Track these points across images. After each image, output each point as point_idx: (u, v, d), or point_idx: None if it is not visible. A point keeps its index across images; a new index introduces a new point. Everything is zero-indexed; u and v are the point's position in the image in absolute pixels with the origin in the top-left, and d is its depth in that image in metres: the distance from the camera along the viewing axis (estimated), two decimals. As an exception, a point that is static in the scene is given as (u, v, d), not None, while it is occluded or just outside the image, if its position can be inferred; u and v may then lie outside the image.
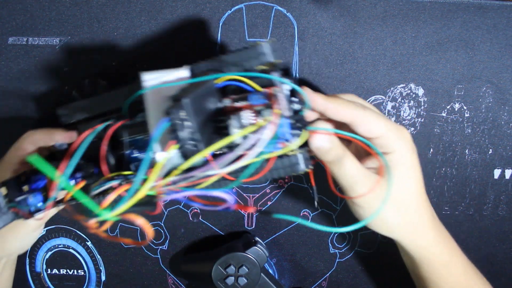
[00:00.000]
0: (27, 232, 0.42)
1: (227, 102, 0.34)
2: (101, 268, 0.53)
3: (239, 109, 0.33)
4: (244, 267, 0.47)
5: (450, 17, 0.46)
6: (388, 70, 0.48)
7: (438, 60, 0.47)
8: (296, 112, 0.34)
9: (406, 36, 0.47)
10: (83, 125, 0.40)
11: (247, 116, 0.32)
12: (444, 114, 0.49)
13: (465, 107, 0.48)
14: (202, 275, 0.49)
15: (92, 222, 0.28)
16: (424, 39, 0.47)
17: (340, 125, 0.37)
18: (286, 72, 0.34)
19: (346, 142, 0.38)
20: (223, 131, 0.32)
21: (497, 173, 0.50)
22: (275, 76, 0.33)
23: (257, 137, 0.30)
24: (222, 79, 0.34)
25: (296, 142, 0.33)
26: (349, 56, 0.47)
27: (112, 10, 0.46)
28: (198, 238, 0.52)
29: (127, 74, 0.47)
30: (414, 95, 0.48)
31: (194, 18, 0.47)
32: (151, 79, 0.33)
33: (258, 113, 0.32)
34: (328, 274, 0.53)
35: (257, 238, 0.51)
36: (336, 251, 0.52)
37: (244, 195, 0.51)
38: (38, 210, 0.36)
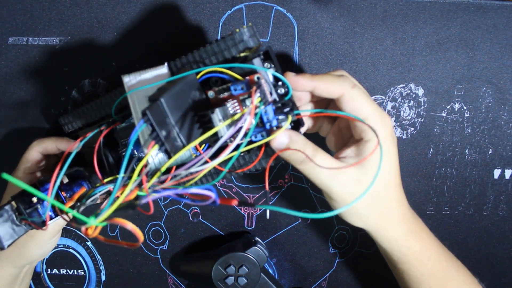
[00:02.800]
0: (45, 239, 0.44)
1: (211, 95, 0.33)
2: (101, 268, 0.53)
3: (223, 100, 0.33)
4: (244, 267, 0.47)
5: (450, 17, 0.46)
6: (388, 70, 0.48)
7: (438, 60, 0.47)
8: (282, 96, 0.34)
9: (406, 36, 0.47)
10: (83, 132, 0.41)
11: (231, 106, 0.32)
12: (444, 114, 0.49)
13: (465, 107, 0.48)
14: (202, 275, 0.49)
15: (84, 229, 0.28)
16: (424, 39, 0.47)
17: (325, 102, 0.37)
18: (267, 55, 0.34)
19: (331, 120, 0.38)
20: (208, 125, 0.32)
21: (497, 173, 0.50)
22: (253, 65, 0.32)
23: (239, 126, 0.30)
24: (202, 72, 0.33)
25: (283, 127, 0.33)
26: (349, 56, 0.47)
27: (112, 10, 0.46)
28: (198, 238, 0.52)
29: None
30: (414, 95, 0.48)
31: (194, 18, 0.47)
32: (132, 80, 0.34)
33: (242, 102, 0.32)
34: (328, 274, 0.53)
35: (257, 238, 0.51)
36: (336, 251, 0.52)
37: (244, 195, 0.51)
38: (50, 218, 0.37)
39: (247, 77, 0.32)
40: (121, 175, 0.29)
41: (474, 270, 0.53)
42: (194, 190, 0.29)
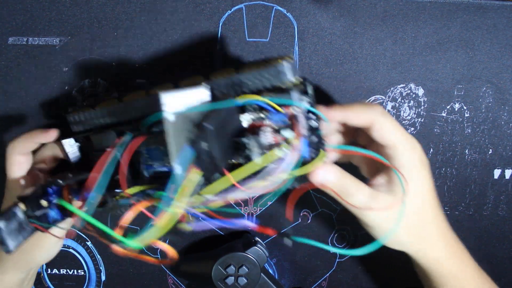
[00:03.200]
0: (51, 243, 0.44)
1: (246, 119, 0.34)
2: (101, 268, 0.53)
3: (257, 126, 0.33)
4: (244, 267, 0.47)
5: (450, 17, 0.46)
6: (388, 70, 0.48)
7: (438, 60, 0.47)
8: (314, 130, 0.34)
9: (406, 36, 0.47)
10: (96, 135, 0.40)
11: (266, 135, 0.33)
12: (444, 114, 0.49)
13: (465, 107, 0.48)
14: (202, 275, 0.49)
15: (116, 248, 0.28)
16: (424, 39, 0.47)
17: (355, 131, 0.38)
18: (303, 89, 0.34)
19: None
20: (243, 151, 0.33)
21: (497, 173, 0.50)
22: (294, 101, 0.33)
23: (282, 161, 0.31)
24: (244, 99, 0.34)
25: (315, 161, 0.34)
26: (349, 56, 0.47)
27: (112, 10, 0.46)
28: (198, 238, 0.52)
29: (127, 74, 0.48)
30: (414, 95, 0.48)
31: (194, 18, 0.47)
32: (171, 101, 0.32)
33: (277, 131, 0.33)
34: (328, 274, 0.53)
35: (257, 238, 0.51)
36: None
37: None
38: (56, 221, 0.37)
39: (285, 110, 0.33)
40: (170, 198, 0.29)
41: (474, 270, 0.53)
42: (239, 223, 0.30)
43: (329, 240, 0.52)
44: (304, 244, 0.52)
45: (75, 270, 0.53)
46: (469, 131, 0.49)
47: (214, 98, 0.34)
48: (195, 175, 0.30)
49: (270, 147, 0.33)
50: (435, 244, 0.40)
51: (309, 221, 0.52)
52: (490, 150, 0.49)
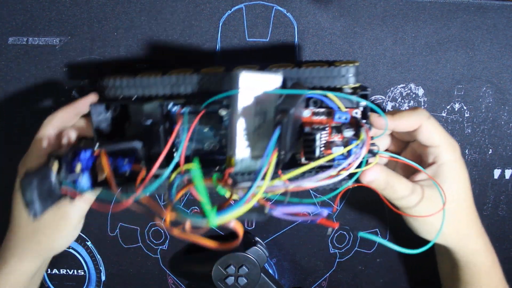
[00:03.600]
0: (70, 229, 0.43)
1: (307, 113, 0.36)
2: (101, 268, 0.53)
3: (314, 122, 0.36)
4: (244, 267, 0.47)
5: (450, 17, 0.46)
6: (388, 70, 0.48)
7: (438, 60, 0.47)
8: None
9: (406, 36, 0.47)
10: (136, 105, 0.37)
11: (325, 132, 0.36)
12: (444, 114, 0.49)
13: (465, 107, 0.48)
14: (202, 275, 0.49)
15: (189, 223, 0.28)
16: (424, 39, 0.47)
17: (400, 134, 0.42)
18: (363, 95, 0.36)
19: (403, 148, 0.44)
20: (310, 143, 0.35)
21: (497, 173, 0.50)
22: (370, 103, 0.36)
23: (357, 154, 0.34)
24: (313, 92, 0.35)
25: (372, 163, 0.37)
26: (349, 56, 0.47)
27: (112, 10, 0.46)
28: (198, 238, 0.52)
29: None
30: (414, 95, 0.48)
31: (194, 18, 0.47)
32: (248, 80, 0.33)
33: (336, 129, 0.36)
34: (328, 274, 0.53)
35: (257, 238, 0.51)
36: (336, 251, 0.52)
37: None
38: (83, 191, 0.34)
39: (348, 109, 0.35)
40: (258, 178, 0.29)
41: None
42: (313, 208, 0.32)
43: (329, 240, 0.52)
44: (304, 244, 0.52)
45: (75, 270, 0.53)
46: (469, 131, 0.49)
47: (283, 84, 0.35)
48: (275, 158, 0.31)
49: (331, 144, 0.36)
50: (474, 238, 0.43)
51: (309, 221, 0.51)
52: (490, 150, 0.49)
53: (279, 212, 0.31)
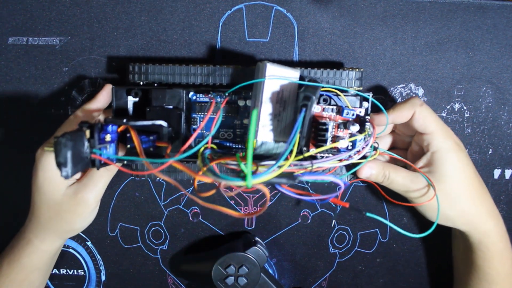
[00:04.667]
0: (88, 212, 0.45)
1: (318, 109, 0.41)
2: (101, 268, 0.53)
3: (320, 117, 0.41)
4: (244, 267, 0.47)
5: (450, 17, 0.46)
6: (388, 70, 0.48)
7: (438, 60, 0.47)
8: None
9: (406, 36, 0.47)
10: (159, 90, 0.40)
11: (331, 125, 0.41)
12: (444, 114, 0.49)
13: (465, 107, 0.48)
14: (202, 275, 0.49)
15: (224, 184, 0.32)
16: (424, 39, 0.47)
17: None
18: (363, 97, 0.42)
19: (408, 144, 0.46)
20: (322, 132, 0.40)
21: (497, 173, 0.50)
22: (375, 101, 0.41)
23: (367, 141, 0.40)
24: (325, 89, 0.41)
25: (371, 158, 0.41)
26: (349, 56, 0.47)
27: (112, 10, 0.46)
28: (198, 238, 0.52)
29: (127, 74, 0.48)
30: (414, 95, 0.48)
31: (194, 18, 0.47)
32: (272, 71, 0.38)
33: (342, 125, 0.41)
34: (328, 274, 0.53)
35: (257, 238, 0.51)
36: (336, 251, 0.52)
37: (244, 195, 0.51)
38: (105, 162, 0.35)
39: (354, 108, 0.41)
40: (288, 149, 0.33)
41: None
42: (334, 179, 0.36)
43: (329, 240, 0.52)
44: (304, 244, 0.52)
45: (75, 270, 0.53)
46: (469, 131, 0.49)
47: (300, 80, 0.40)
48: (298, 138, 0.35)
49: (337, 138, 0.41)
50: (485, 219, 0.43)
51: (309, 221, 0.52)
52: (490, 150, 0.49)
53: (306, 176, 0.35)
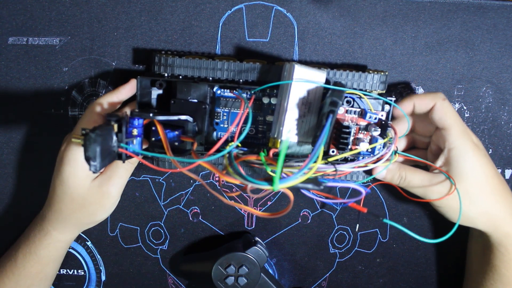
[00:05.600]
0: (111, 204, 0.45)
1: (341, 111, 0.41)
2: (101, 268, 0.53)
3: (342, 119, 0.42)
4: (244, 267, 0.47)
5: (450, 17, 0.46)
6: (388, 70, 0.48)
7: (438, 60, 0.47)
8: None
9: (406, 36, 0.47)
10: (185, 83, 0.40)
11: (353, 129, 0.41)
12: (444, 114, 0.49)
13: (465, 107, 0.48)
14: (202, 275, 0.49)
15: (251, 186, 0.32)
16: (424, 39, 0.47)
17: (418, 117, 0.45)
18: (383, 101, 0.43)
19: (427, 144, 0.46)
20: (345, 135, 0.40)
21: (497, 173, 0.50)
22: (398, 106, 0.42)
23: (389, 147, 0.40)
24: (350, 91, 0.40)
25: (391, 161, 0.42)
26: (349, 56, 0.47)
27: (112, 10, 0.46)
28: (198, 238, 0.52)
29: (127, 73, 0.48)
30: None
31: (194, 18, 0.47)
32: (300, 72, 0.38)
33: (363, 128, 0.42)
34: (328, 274, 0.53)
35: (257, 238, 0.51)
36: (336, 251, 0.52)
37: (244, 195, 0.51)
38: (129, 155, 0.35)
39: (376, 112, 0.41)
40: (315, 153, 0.33)
41: (474, 270, 0.53)
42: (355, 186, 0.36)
43: (329, 240, 0.52)
44: (304, 244, 0.52)
45: (75, 270, 0.53)
46: (469, 131, 0.49)
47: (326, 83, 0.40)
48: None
49: (357, 140, 0.41)
50: (506, 220, 0.43)
51: (309, 221, 0.52)
52: (490, 150, 0.49)
53: (330, 183, 0.36)
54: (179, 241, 0.52)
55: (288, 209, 0.33)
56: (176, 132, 0.38)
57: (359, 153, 0.42)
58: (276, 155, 0.39)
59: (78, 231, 0.47)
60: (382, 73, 0.41)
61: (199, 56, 0.41)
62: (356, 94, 0.41)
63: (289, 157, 0.41)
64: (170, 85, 0.42)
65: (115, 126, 0.34)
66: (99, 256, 0.53)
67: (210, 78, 0.41)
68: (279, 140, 0.38)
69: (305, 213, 0.51)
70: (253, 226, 0.52)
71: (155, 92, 0.42)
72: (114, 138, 0.33)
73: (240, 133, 0.40)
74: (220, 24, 0.47)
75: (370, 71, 0.41)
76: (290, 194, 0.34)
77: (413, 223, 0.51)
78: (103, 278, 0.53)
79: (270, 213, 0.34)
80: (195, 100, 0.41)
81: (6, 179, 0.50)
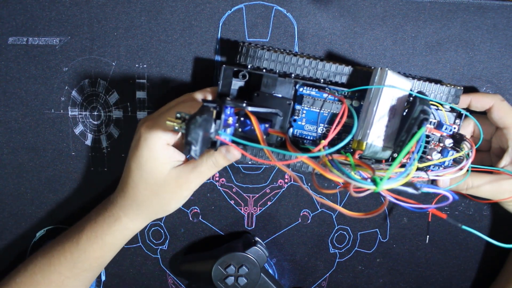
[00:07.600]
0: (185, 196, 0.43)
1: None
2: (101, 268, 0.53)
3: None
4: (244, 267, 0.47)
5: (450, 17, 0.46)
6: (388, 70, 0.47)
7: (438, 60, 0.47)
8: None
9: (406, 36, 0.47)
10: (271, 77, 0.40)
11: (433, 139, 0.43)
12: (444, 114, 0.49)
13: (465, 107, 0.48)
14: (202, 275, 0.49)
15: (354, 185, 0.32)
16: (424, 39, 0.47)
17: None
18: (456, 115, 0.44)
19: (488, 147, 0.46)
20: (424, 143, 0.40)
21: (497, 173, 0.50)
22: (475, 120, 0.43)
23: (467, 161, 0.41)
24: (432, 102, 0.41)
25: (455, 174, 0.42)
26: (349, 56, 0.47)
27: (112, 10, 0.46)
28: (198, 238, 0.52)
29: (127, 73, 0.48)
30: (414, 95, 0.48)
31: (194, 18, 0.47)
32: (391, 79, 0.38)
33: (438, 139, 0.43)
34: (328, 274, 0.53)
35: (257, 238, 0.51)
36: (336, 251, 0.52)
37: (244, 195, 0.51)
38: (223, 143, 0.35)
39: (451, 124, 0.43)
40: (417, 154, 0.34)
41: (474, 270, 0.53)
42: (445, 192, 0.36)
43: (329, 240, 0.52)
44: (304, 244, 0.52)
45: (75, 270, 0.53)
46: (469, 131, 0.49)
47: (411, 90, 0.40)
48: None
49: (431, 151, 0.42)
50: None
51: (309, 221, 0.52)
52: (490, 150, 0.49)
53: (425, 188, 0.36)
54: (179, 241, 0.52)
55: (381, 210, 0.34)
56: (266, 125, 0.38)
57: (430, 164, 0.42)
58: (361, 157, 0.40)
59: (148, 220, 0.45)
60: (458, 88, 0.42)
61: (281, 51, 0.41)
62: (435, 105, 0.42)
63: (372, 159, 0.41)
64: (251, 77, 0.41)
65: (214, 113, 0.33)
66: (99, 256, 0.53)
67: (293, 75, 0.41)
68: (364, 143, 0.38)
69: (305, 213, 0.51)
70: (253, 226, 0.52)
71: (236, 83, 0.42)
72: (213, 125, 0.32)
73: (334, 131, 0.39)
74: (220, 24, 0.47)
75: (446, 85, 0.42)
76: (389, 197, 0.34)
77: (413, 223, 0.51)
78: (103, 278, 0.53)
79: (364, 213, 0.34)
80: (279, 95, 0.41)
81: (6, 179, 0.50)
